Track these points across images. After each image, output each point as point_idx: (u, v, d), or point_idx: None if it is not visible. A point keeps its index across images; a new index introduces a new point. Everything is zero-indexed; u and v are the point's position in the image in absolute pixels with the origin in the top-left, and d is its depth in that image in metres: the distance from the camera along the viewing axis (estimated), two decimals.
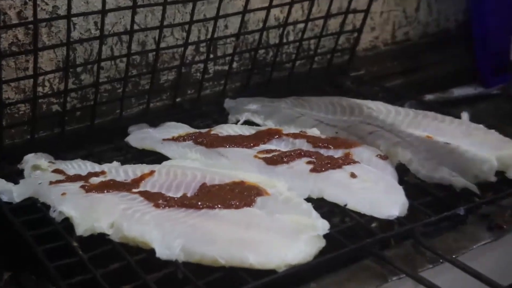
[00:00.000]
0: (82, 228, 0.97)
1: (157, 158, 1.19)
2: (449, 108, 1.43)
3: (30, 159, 1.17)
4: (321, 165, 1.09)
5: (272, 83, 1.50)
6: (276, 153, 1.14)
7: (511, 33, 1.68)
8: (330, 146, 1.16)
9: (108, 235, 0.96)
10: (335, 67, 1.59)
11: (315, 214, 0.97)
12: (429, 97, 1.63)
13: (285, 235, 0.92)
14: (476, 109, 1.64)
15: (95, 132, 1.31)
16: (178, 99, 1.41)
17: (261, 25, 1.44)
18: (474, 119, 1.32)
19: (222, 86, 1.45)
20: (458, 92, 1.70)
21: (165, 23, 1.29)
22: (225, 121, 1.35)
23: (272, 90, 1.49)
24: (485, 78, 1.72)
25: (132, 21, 1.23)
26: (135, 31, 1.26)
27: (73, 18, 1.21)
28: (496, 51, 1.71)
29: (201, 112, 1.41)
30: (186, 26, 1.32)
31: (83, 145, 1.27)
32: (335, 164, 1.09)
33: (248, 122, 1.34)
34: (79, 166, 1.16)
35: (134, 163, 1.17)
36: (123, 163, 1.17)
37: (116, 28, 1.29)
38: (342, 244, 0.95)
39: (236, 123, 1.33)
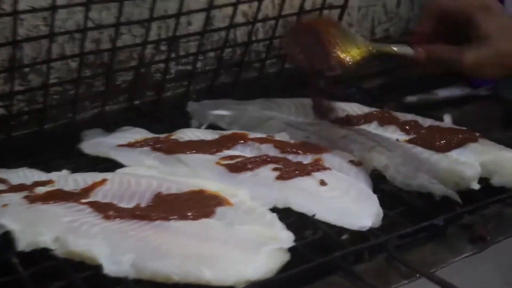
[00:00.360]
0: (23, 242, 0.93)
1: (112, 165, 1.17)
2: (433, 111, 1.41)
3: None
4: (288, 172, 1.06)
5: (240, 84, 1.48)
6: (240, 160, 1.12)
7: None
8: (299, 152, 1.14)
9: (52, 250, 0.93)
10: None
11: (279, 225, 0.95)
12: (410, 99, 1.60)
13: (245, 248, 0.89)
14: (463, 112, 1.62)
15: (45, 138, 1.28)
16: (136, 102, 1.38)
17: (227, 21, 1.42)
18: (460, 122, 1.30)
19: (185, 88, 1.43)
20: (443, 93, 1.67)
21: (122, 19, 1.26)
22: (187, 125, 1.32)
23: (240, 91, 1.47)
24: (472, 78, 1.70)
25: (86, 18, 1.21)
26: (89, 29, 1.23)
27: None
28: None
29: (162, 116, 1.39)
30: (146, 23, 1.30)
31: (31, 152, 1.24)
32: (303, 171, 1.07)
33: (212, 127, 1.32)
34: (24, 175, 1.13)
35: (87, 172, 1.14)
36: (74, 171, 1.14)
37: (68, 24, 1.26)
38: (309, 258, 0.93)
39: (199, 128, 1.30)
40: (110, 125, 1.31)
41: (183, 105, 1.39)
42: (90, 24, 1.24)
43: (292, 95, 1.44)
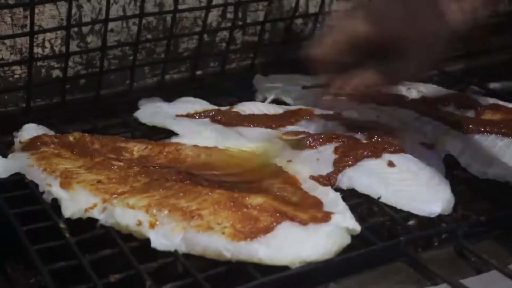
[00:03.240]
0: (70, 210, 0.95)
1: (168, 136, 1.17)
2: None
3: (28, 129, 1.15)
4: (353, 151, 1.06)
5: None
6: (304, 136, 1.11)
7: None
8: (367, 131, 1.13)
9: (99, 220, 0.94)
10: None
11: (342, 205, 0.95)
12: (494, 85, 1.58)
13: (303, 227, 0.89)
14: None
15: (101, 104, 1.29)
16: (198, 72, 1.39)
17: None
18: None
19: (250, 60, 1.43)
20: None
21: None
22: (251, 99, 1.32)
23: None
24: None
25: None
26: None
27: None
28: None
29: (225, 88, 1.39)
30: None
31: (86, 118, 1.26)
32: (370, 151, 1.06)
33: (277, 102, 1.32)
34: None
35: None
36: None
37: None
38: (371, 241, 0.92)
39: (263, 102, 1.31)
40: (169, 95, 1.32)
41: (248, 78, 1.40)
42: None
43: None
